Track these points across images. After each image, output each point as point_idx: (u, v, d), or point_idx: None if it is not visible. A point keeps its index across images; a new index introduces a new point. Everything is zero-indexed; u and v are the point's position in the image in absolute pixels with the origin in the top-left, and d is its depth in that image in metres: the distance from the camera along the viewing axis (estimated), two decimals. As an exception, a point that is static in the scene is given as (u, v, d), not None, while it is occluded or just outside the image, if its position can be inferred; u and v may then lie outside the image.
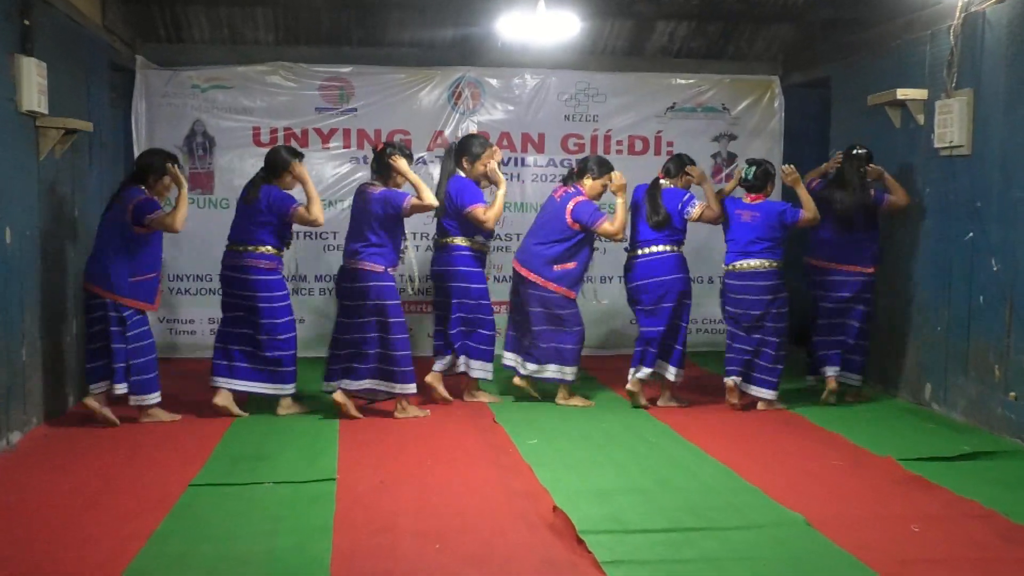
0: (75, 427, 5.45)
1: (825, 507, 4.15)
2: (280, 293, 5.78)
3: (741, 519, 3.99)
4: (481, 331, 6.14)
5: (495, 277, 7.56)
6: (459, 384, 6.32)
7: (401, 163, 5.75)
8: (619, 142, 8.03)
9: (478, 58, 7.95)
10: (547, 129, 7.96)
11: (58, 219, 5.79)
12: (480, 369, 6.17)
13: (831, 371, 6.22)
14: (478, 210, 5.97)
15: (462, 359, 6.17)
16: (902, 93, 6.18)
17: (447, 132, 7.71)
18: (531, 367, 6.15)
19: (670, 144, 8.03)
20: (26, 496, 4.24)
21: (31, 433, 5.25)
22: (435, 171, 7.42)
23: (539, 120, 7.96)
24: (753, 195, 6.05)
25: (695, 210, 6.05)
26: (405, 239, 5.99)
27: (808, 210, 5.96)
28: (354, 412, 5.72)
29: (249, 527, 3.87)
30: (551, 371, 6.11)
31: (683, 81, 8.12)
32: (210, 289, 7.59)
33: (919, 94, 6.15)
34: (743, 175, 6.10)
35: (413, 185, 5.75)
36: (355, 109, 7.75)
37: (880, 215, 6.26)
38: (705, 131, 8.13)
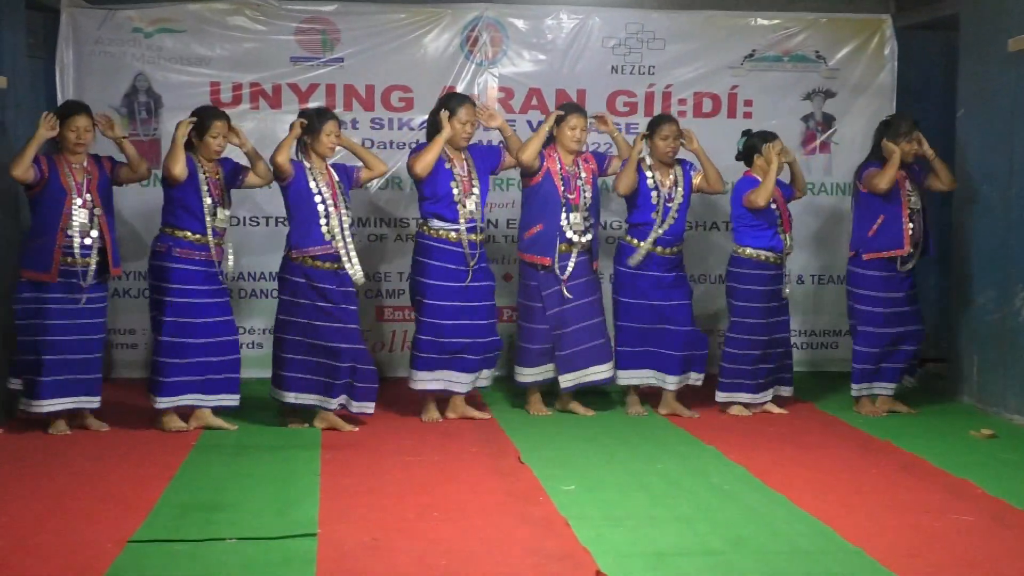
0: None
1: (952, 576, 4.12)
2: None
3: (841, 591, 3.97)
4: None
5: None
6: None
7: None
8: (682, 100, 8.02)
9: (500, -8, 7.97)
10: (589, 84, 7.95)
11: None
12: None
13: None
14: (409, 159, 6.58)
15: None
16: (1053, 36, 6.15)
17: (460, 88, 7.69)
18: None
19: (748, 103, 8.04)
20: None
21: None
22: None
23: (578, 73, 7.96)
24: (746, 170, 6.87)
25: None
26: None
27: (759, 189, 6.59)
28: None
29: (204, 596, 3.89)
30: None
31: (766, 22, 8.10)
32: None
33: (1076, 37, 6.12)
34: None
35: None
36: (341, 59, 7.78)
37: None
38: (794, 87, 8.12)
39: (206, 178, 6.19)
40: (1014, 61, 6.55)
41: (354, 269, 6.28)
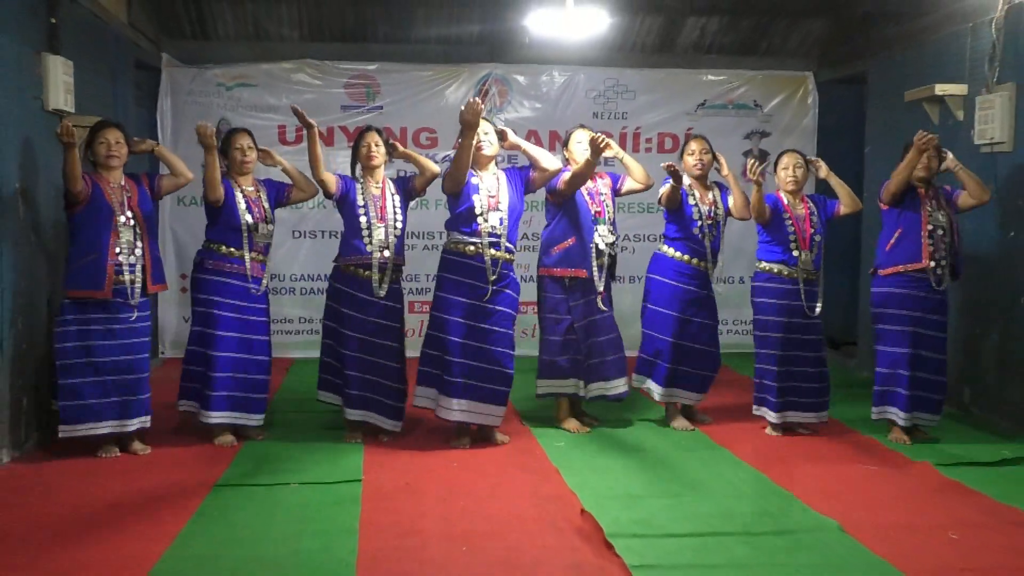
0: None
1: (860, 513, 4.12)
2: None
3: (773, 524, 3.97)
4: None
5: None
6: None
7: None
8: (648, 140, 8.03)
9: (505, 54, 7.97)
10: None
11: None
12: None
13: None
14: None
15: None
16: (941, 88, 6.12)
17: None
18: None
19: (701, 142, 8.01)
20: (49, 498, 4.29)
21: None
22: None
23: (567, 118, 7.93)
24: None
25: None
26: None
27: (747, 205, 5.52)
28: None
29: (274, 528, 3.90)
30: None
31: (714, 77, 8.11)
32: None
33: (958, 89, 6.09)
34: None
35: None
36: (381, 107, 7.80)
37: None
38: (736, 128, 8.12)
39: (244, 197, 5.22)
40: (910, 108, 6.55)
41: (379, 282, 5.10)
